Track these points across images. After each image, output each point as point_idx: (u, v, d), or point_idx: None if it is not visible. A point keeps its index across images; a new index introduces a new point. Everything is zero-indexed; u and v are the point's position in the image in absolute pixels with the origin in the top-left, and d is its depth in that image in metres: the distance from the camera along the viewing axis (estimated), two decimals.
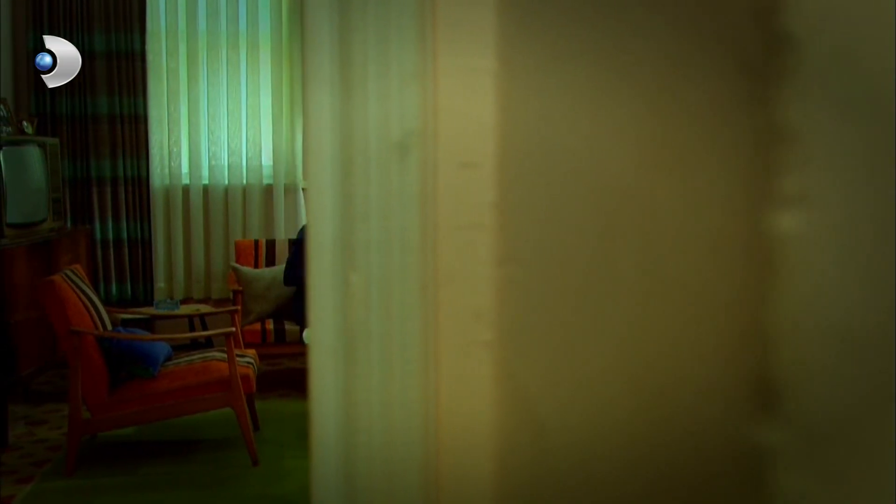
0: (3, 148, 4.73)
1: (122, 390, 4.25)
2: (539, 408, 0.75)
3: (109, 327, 4.46)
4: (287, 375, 5.98)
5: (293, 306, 5.63)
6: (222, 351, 4.52)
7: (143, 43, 6.21)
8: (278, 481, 4.14)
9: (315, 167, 0.89)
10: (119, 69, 6.18)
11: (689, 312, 0.73)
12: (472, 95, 0.89)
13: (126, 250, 6.30)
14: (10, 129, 5.13)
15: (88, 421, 4.20)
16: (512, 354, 0.85)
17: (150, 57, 6.26)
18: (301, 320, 5.51)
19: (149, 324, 5.86)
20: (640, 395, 0.67)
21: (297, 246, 5.54)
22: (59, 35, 5.97)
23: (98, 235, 6.20)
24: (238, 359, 4.31)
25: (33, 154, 5.14)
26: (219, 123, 6.36)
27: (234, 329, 4.38)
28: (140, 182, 6.28)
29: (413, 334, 0.89)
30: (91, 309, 4.32)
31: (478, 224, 0.89)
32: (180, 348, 5.04)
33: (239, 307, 5.18)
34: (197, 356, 4.59)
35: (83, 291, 4.37)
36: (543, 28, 0.87)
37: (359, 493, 0.90)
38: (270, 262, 6.06)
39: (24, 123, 5.37)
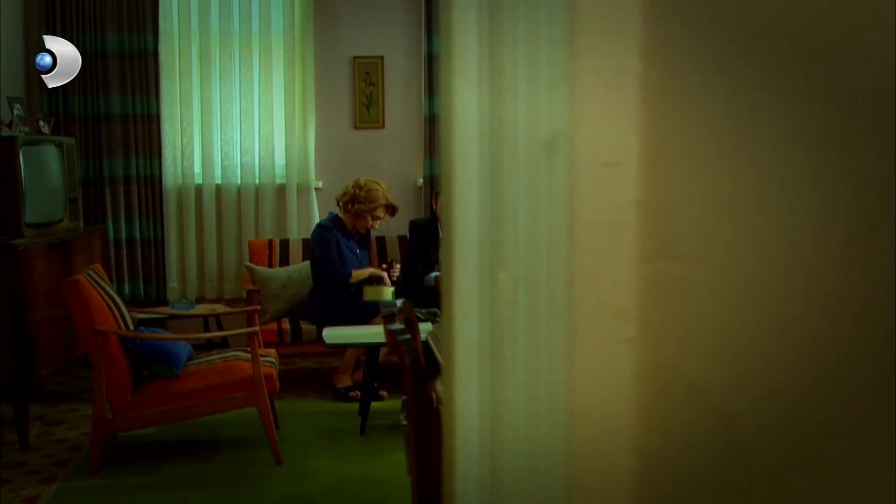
0: (23, 148, 4.71)
1: (144, 390, 4.26)
2: (723, 405, 0.76)
3: (132, 327, 4.46)
4: (302, 375, 5.98)
5: (308, 306, 5.63)
6: (244, 350, 4.52)
7: (155, 43, 6.20)
8: (303, 480, 4.15)
9: (461, 167, 0.90)
10: (132, 69, 6.17)
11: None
12: (616, 96, 0.91)
13: (139, 250, 6.29)
14: (27, 128, 5.12)
15: (112, 420, 4.20)
16: (672, 351, 0.86)
17: (162, 57, 6.25)
18: (317, 319, 5.52)
19: (162, 323, 5.85)
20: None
21: (321, 244, 5.52)
22: (71, 35, 5.98)
23: (111, 235, 6.19)
24: (260, 358, 4.31)
25: (51, 154, 5.14)
26: (231, 123, 6.36)
27: (257, 328, 4.39)
28: (153, 182, 6.28)
29: (559, 331, 0.90)
30: (114, 308, 4.32)
31: (621, 222, 0.91)
32: (198, 348, 5.03)
33: (259, 307, 5.18)
34: (218, 356, 4.59)
35: (105, 291, 4.37)
36: (690, 31, 0.88)
37: (504, 486, 0.91)
38: (284, 261, 6.06)
39: (41, 123, 5.35)
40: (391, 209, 5.59)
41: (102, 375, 4.10)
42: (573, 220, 0.89)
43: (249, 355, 4.33)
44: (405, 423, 2.14)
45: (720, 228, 0.85)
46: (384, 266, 5.65)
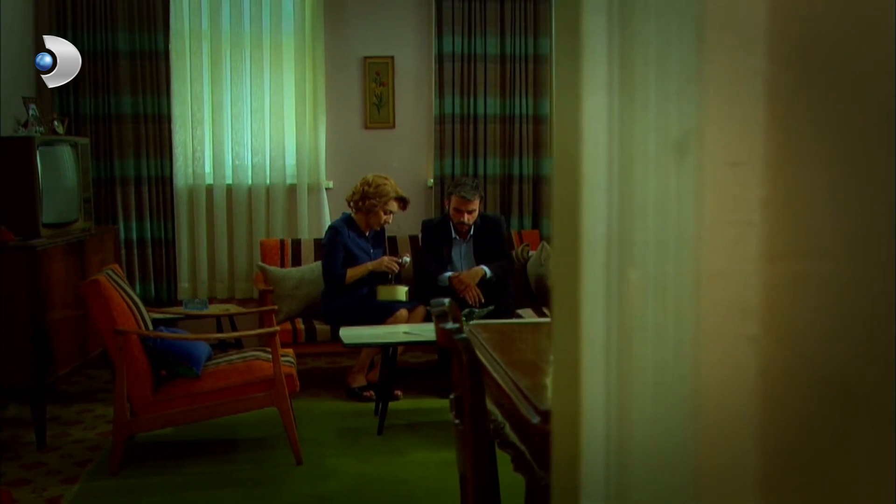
0: (39, 148, 4.71)
1: (165, 390, 4.25)
2: (873, 399, 0.77)
3: (151, 327, 4.46)
4: (314, 375, 5.98)
5: (322, 305, 5.64)
6: (263, 350, 4.53)
7: (166, 43, 6.19)
8: (324, 480, 4.15)
9: (589, 167, 0.91)
10: (142, 69, 6.16)
11: None
12: (743, 96, 0.92)
13: (150, 250, 6.28)
14: (42, 129, 5.11)
15: (133, 420, 4.20)
16: (805, 347, 0.87)
17: (173, 57, 6.24)
18: (330, 319, 5.52)
19: (175, 323, 5.83)
20: None
21: (326, 246, 5.55)
22: (82, 35, 5.98)
23: (122, 235, 6.18)
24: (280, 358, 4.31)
25: (66, 154, 5.13)
26: (242, 123, 6.36)
27: (278, 328, 4.39)
28: (164, 182, 6.27)
29: (687, 329, 0.91)
30: (134, 309, 4.32)
31: (747, 221, 0.92)
32: (213, 348, 5.02)
33: (276, 307, 5.18)
34: (237, 356, 4.60)
35: (125, 291, 4.37)
36: (818, 32, 0.89)
37: (632, 484, 0.92)
38: (296, 261, 6.06)
39: (56, 123, 5.35)
40: (402, 202, 5.60)
41: (124, 376, 4.09)
42: (703, 219, 0.90)
43: (268, 355, 4.34)
44: (456, 421, 2.14)
45: (848, 225, 0.86)
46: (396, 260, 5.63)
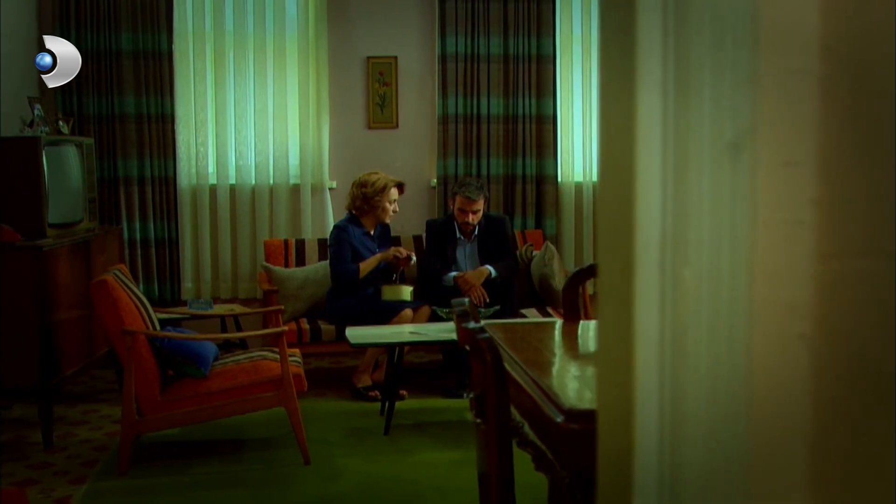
0: (45, 148, 4.70)
1: (173, 390, 4.25)
2: None
3: (158, 327, 4.46)
4: (318, 374, 5.98)
5: (327, 305, 5.64)
6: (271, 350, 4.53)
7: (170, 43, 6.18)
8: (334, 480, 4.15)
9: (643, 167, 0.92)
10: (146, 69, 6.15)
11: None
12: (796, 96, 0.92)
13: (153, 250, 6.28)
14: (47, 129, 5.10)
15: (141, 420, 4.19)
16: (861, 346, 0.87)
17: (177, 57, 6.23)
18: (336, 319, 5.52)
19: (179, 323, 5.83)
20: None
21: (333, 244, 5.56)
22: (85, 35, 5.98)
23: (126, 235, 6.18)
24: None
25: (71, 154, 5.12)
26: (245, 123, 6.35)
27: (286, 328, 4.39)
28: (167, 182, 6.27)
29: (740, 328, 0.92)
30: (141, 309, 4.32)
31: (799, 220, 0.92)
32: (220, 348, 5.02)
33: (282, 307, 5.18)
34: (244, 356, 4.60)
35: (132, 291, 4.37)
36: (871, 31, 0.90)
37: (685, 481, 0.92)
38: (300, 261, 6.07)
39: (60, 123, 5.34)
40: (400, 187, 5.64)
41: (132, 376, 4.09)
42: (757, 219, 0.90)
43: (276, 355, 4.34)
44: (478, 420, 2.15)
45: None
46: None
